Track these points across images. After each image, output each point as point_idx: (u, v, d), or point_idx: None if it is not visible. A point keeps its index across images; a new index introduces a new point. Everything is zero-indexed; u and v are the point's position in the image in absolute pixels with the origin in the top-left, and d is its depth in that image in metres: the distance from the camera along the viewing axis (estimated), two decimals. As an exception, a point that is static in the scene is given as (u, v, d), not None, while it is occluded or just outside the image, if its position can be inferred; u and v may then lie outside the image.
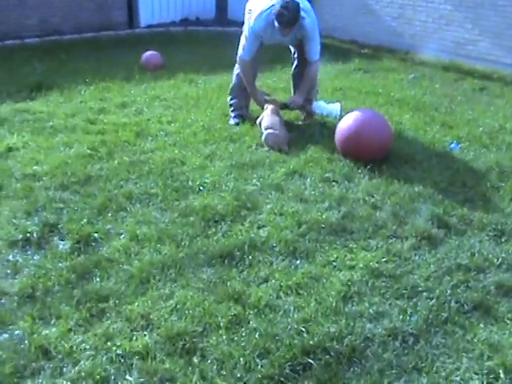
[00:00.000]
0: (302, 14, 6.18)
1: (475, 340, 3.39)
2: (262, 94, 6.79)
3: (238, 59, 6.64)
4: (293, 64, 7.14)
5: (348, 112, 5.98)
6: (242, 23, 6.83)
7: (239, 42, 6.71)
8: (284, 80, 8.22)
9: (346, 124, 5.76)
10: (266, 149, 5.97)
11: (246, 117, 6.88)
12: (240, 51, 6.59)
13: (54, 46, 11.01)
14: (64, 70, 9.34)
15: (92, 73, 9.01)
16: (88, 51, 10.91)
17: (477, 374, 3.13)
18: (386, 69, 10.30)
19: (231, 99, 6.97)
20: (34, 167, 5.45)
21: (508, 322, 3.55)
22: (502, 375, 3.10)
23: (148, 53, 9.97)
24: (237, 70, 6.90)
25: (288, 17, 6.08)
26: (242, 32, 6.72)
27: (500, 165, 5.74)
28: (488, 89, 9.10)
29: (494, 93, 8.88)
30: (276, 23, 6.15)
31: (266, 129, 6.18)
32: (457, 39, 11.01)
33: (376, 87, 8.75)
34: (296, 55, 7.03)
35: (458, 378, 3.10)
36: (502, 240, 4.46)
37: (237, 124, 6.70)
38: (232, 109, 6.94)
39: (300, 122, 6.91)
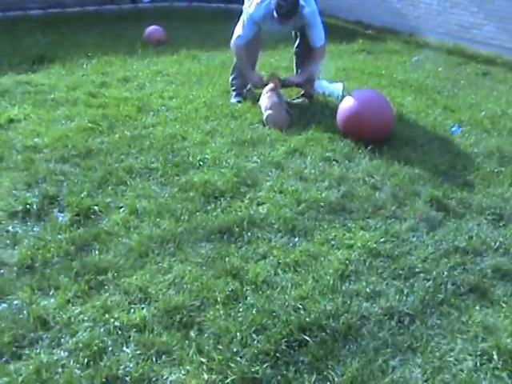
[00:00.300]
0: (302, 2, 6.15)
1: (470, 322, 3.41)
2: (260, 76, 6.73)
3: (232, 44, 6.56)
4: (295, 42, 7.11)
5: (350, 92, 5.97)
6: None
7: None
8: (286, 59, 8.22)
9: (347, 104, 5.76)
10: (267, 127, 5.96)
11: (247, 96, 6.86)
12: (235, 36, 6.51)
13: (56, 19, 10.99)
14: (66, 43, 9.33)
15: (94, 46, 9.00)
16: (91, 25, 10.90)
17: (470, 355, 3.15)
18: (389, 50, 10.29)
19: (233, 79, 6.95)
20: (35, 139, 5.46)
21: (503, 305, 3.57)
22: (495, 357, 3.12)
23: (151, 27, 9.96)
24: None
25: (286, 8, 6.06)
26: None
27: (501, 150, 5.74)
28: (491, 74, 9.09)
29: (497, 78, 8.86)
30: (275, 14, 6.12)
31: (265, 109, 6.16)
32: (461, 22, 10.98)
33: (379, 69, 8.74)
34: (299, 33, 7.00)
35: (451, 359, 3.12)
36: (500, 224, 4.47)
37: (238, 102, 6.69)
38: (234, 88, 6.93)
39: (299, 100, 6.88)
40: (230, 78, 7.01)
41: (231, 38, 6.59)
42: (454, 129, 6.24)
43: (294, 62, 7.23)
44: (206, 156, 5.22)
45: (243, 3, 6.78)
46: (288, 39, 7.69)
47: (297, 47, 7.08)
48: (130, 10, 12.46)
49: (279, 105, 6.18)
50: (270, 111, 6.09)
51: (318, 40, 6.48)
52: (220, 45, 9.19)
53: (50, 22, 10.74)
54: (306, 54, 6.82)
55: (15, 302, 3.40)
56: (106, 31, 10.51)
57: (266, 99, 6.24)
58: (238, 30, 6.51)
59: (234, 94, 6.89)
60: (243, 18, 6.50)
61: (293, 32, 7.02)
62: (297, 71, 7.14)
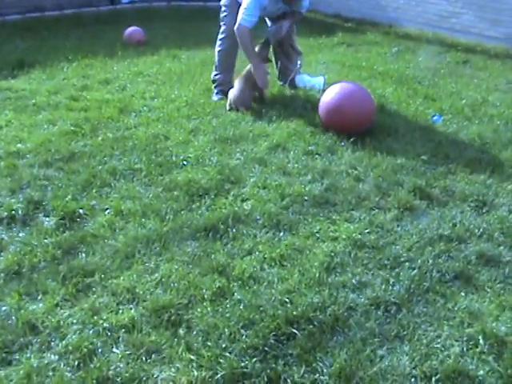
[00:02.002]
0: None
1: (456, 308, 3.44)
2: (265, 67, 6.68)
3: (237, 27, 6.38)
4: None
5: (331, 85, 5.99)
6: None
7: (225, 14, 6.71)
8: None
9: (329, 97, 5.78)
10: (250, 123, 5.99)
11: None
12: (240, 18, 6.35)
13: (35, 23, 10.95)
14: (46, 48, 9.31)
15: (74, 50, 9.00)
16: (70, 28, 10.88)
17: (457, 341, 3.19)
18: (369, 42, 10.33)
19: (215, 75, 6.95)
20: (18, 145, 5.45)
21: (488, 290, 3.61)
22: (481, 341, 3.16)
23: (130, 28, 9.95)
24: (218, 46, 6.88)
25: None
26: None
27: (482, 137, 5.79)
28: (471, 62, 9.14)
29: (477, 66, 8.92)
30: None
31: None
32: (440, 12, 11.03)
33: (359, 61, 8.78)
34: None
35: (438, 346, 3.15)
36: (484, 211, 4.51)
37: (220, 99, 6.70)
38: (215, 84, 6.93)
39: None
40: (213, 74, 7.00)
41: (211, 35, 6.59)
42: (435, 118, 6.27)
43: (273, 55, 7.24)
44: (189, 155, 5.24)
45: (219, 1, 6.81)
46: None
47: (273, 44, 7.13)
48: (109, 12, 12.43)
49: (241, 85, 6.39)
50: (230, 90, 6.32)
51: (306, 6, 6.88)
52: (200, 43, 9.22)
53: (28, 26, 10.70)
54: (282, 48, 7.00)
55: (3, 308, 3.40)
56: (86, 34, 10.50)
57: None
58: (242, 12, 6.37)
59: (215, 91, 6.89)
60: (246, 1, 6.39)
61: (269, 25, 7.05)
62: (276, 63, 7.18)
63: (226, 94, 6.78)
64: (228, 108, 6.35)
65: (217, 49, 6.92)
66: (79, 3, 12.32)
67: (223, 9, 6.77)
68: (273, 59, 7.10)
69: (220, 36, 6.87)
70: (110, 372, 2.95)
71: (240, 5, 6.37)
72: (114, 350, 3.10)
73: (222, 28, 6.83)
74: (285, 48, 7.09)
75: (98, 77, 7.68)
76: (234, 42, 6.68)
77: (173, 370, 2.97)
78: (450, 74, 8.29)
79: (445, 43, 10.26)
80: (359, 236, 4.07)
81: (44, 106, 6.55)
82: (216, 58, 6.95)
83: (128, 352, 3.08)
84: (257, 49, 6.53)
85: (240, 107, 6.26)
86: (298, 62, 7.12)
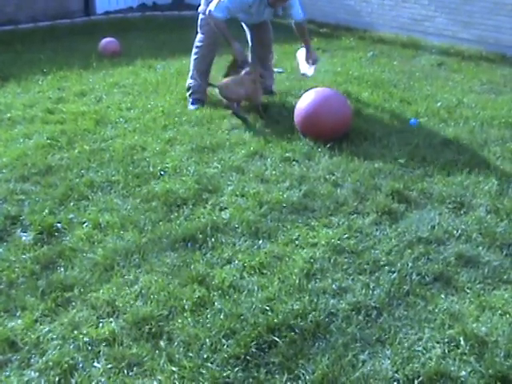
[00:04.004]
0: None
1: (436, 310, 3.46)
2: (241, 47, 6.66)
3: (209, 15, 6.38)
4: (249, 37, 7.19)
5: (306, 91, 6.00)
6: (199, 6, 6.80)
7: (197, 24, 6.72)
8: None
9: (304, 103, 5.79)
10: (227, 131, 5.98)
11: (204, 101, 6.86)
12: (213, 7, 6.31)
13: (8, 37, 10.82)
14: (20, 61, 9.22)
15: (49, 62, 8.92)
16: (44, 41, 10.77)
17: (438, 342, 3.20)
18: (344, 47, 10.36)
19: (191, 83, 6.92)
20: (-7, 160, 5.40)
21: (468, 291, 3.63)
22: (462, 342, 3.17)
23: (105, 40, 9.89)
24: (195, 54, 6.88)
25: None
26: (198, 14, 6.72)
27: (458, 138, 5.84)
28: (446, 64, 9.21)
29: (451, 68, 8.98)
30: None
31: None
32: (414, 16, 11.09)
33: (335, 66, 8.80)
34: (250, 37, 7.07)
35: (420, 348, 3.16)
36: (461, 212, 4.54)
37: (196, 109, 6.68)
38: (190, 92, 6.89)
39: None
40: (188, 82, 6.97)
41: (187, 44, 6.57)
42: (411, 121, 6.31)
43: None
44: (167, 165, 5.22)
45: (197, 9, 6.80)
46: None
47: (252, 43, 7.16)
48: (84, 24, 12.34)
49: (234, 81, 6.39)
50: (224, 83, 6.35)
51: (299, 15, 6.74)
52: (175, 53, 9.20)
53: (2, 40, 10.58)
54: (258, 56, 6.97)
55: (-18, 326, 3.37)
56: (60, 46, 10.42)
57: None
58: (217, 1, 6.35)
59: (190, 100, 6.86)
60: None
61: (247, 33, 7.06)
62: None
63: (201, 102, 6.78)
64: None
65: (193, 56, 6.90)
66: (53, 15, 12.23)
67: (202, 17, 6.74)
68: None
69: (197, 44, 6.85)
70: (92, 387, 2.94)
71: None
72: (95, 364, 3.08)
73: (200, 36, 6.82)
74: (263, 55, 7.08)
75: (74, 89, 7.64)
76: (209, 51, 6.69)
77: (155, 382, 2.96)
78: (425, 76, 8.34)
79: (419, 46, 10.32)
80: (338, 241, 4.08)
81: (19, 119, 6.50)
82: (191, 66, 6.93)
83: (109, 366, 3.06)
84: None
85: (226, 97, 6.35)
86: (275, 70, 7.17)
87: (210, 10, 6.33)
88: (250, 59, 6.70)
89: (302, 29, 6.84)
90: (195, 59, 6.88)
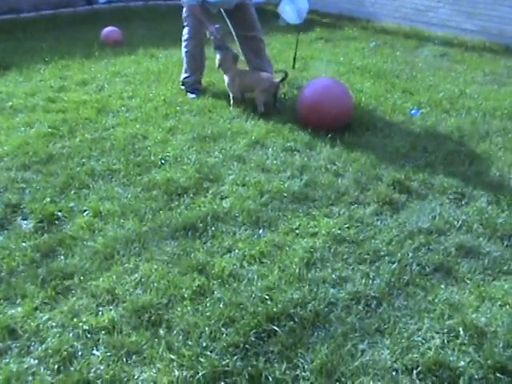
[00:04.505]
0: None
1: (436, 300, 3.45)
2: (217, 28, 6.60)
3: (185, 5, 6.57)
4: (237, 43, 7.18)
5: (309, 82, 5.99)
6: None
7: (186, 14, 6.73)
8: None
9: (306, 93, 5.79)
10: (228, 121, 5.98)
11: (201, 91, 6.88)
12: None
13: (10, 25, 10.82)
14: (22, 50, 9.22)
15: (51, 51, 8.92)
16: (46, 29, 10.77)
17: (438, 333, 3.20)
18: (347, 37, 10.35)
19: (186, 77, 6.91)
20: (-5, 148, 5.40)
21: (468, 281, 3.63)
22: (461, 333, 3.17)
23: (107, 29, 9.88)
24: (185, 48, 6.83)
25: None
26: None
27: (460, 129, 5.82)
28: (448, 55, 9.19)
29: (454, 58, 8.96)
30: None
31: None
32: (417, 6, 11.06)
33: (337, 56, 8.78)
34: (235, 32, 7.06)
35: (419, 338, 3.16)
36: (463, 203, 4.53)
37: (197, 97, 6.67)
38: (186, 86, 6.90)
39: None
40: (182, 76, 6.96)
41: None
42: (413, 111, 6.30)
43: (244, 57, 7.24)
44: (168, 154, 5.22)
45: None
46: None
47: (239, 44, 7.15)
48: (86, 12, 12.32)
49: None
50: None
51: None
52: (177, 42, 9.04)
53: (3, 28, 10.58)
54: (248, 46, 7.03)
55: (-18, 313, 3.37)
56: (62, 35, 10.41)
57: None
58: None
59: (187, 91, 6.86)
60: None
61: (229, 25, 7.04)
62: (249, 66, 7.17)
63: (199, 91, 6.75)
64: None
65: (183, 50, 6.88)
66: (56, 4, 12.20)
67: (184, 9, 6.73)
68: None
69: (184, 37, 6.81)
70: (91, 375, 2.94)
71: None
72: (94, 352, 3.09)
73: (186, 29, 6.80)
74: (252, 44, 7.05)
75: (76, 78, 7.62)
76: (197, 43, 6.66)
77: (154, 370, 2.96)
78: (427, 67, 8.32)
79: (422, 37, 10.29)
80: (339, 231, 4.08)
81: (21, 108, 6.49)
82: (184, 60, 6.90)
83: (108, 354, 3.06)
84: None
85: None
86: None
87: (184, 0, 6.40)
88: (225, 44, 6.59)
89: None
90: (186, 52, 6.84)
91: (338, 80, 6.50)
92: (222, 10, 6.84)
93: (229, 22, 7.01)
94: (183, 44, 6.85)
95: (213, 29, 6.44)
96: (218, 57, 6.44)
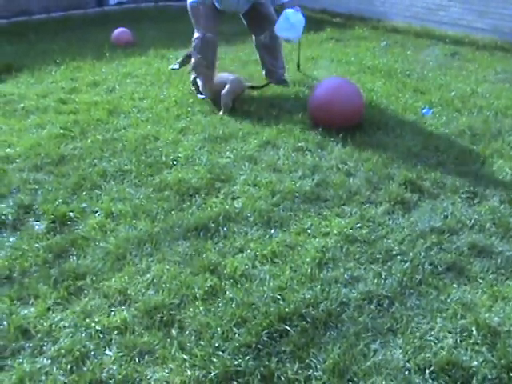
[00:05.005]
0: None
1: (449, 300, 3.44)
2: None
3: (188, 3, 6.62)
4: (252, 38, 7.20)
5: (319, 81, 5.98)
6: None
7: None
8: (255, 53, 8.17)
9: (317, 93, 5.79)
10: (239, 121, 5.98)
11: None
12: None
13: (22, 27, 10.90)
14: (33, 51, 9.27)
15: (62, 53, 8.96)
16: (57, 31, 10.82)
17: (450, 332, 3.19)
18: (357, 37, 10.32)
19: (195, 77, 6.89)
20: (7, 150, 5.42)
21: (480, 281, 3.61)
22: (474, 332, 3.16)
23: (118, 30, 9.92)
24: (194, 49, 6.82)
25: None
26: None
27: (472, 128, 5.80)
28: (460, 53, 9.15)
29: (465, 57, 8.92)
30: None
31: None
32: (428, 5, 11.03)
33: (348, 56, 8.77)
34: (251, 28, 7.07)
35: (432, 338, 3.15)
36: (475, 202, 4.51)
37: (207, 98, 6.65)
38: (195, 87, 6.90)
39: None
40: (192, 76, 6.94)
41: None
42: (424, 110, 6.28)
43: (258, 56, 7.25)
44: (179, 154, 5.23)
45: None
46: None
47: (255, 44, 7.14)
48: (97, 14, 12.39)
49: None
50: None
51: None
52: (188, 43, 9.09)
53: (15, 31, 10.65)
54: (264, 46, 7.03)
55: (-5, 314, 3.39)
56: (73, 36, 10.45)
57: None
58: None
59: (197, 92, 6.85)
60: None
61: (246, 25, 7.05)
62: (262, 66, 7.18)
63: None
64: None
65: (194, 51, 6.87)
66: (66, 6, 12.27)
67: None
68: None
69: (195, 37, 6.79)
70: (103, 375, 2.95)
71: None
72: (107, 352, 3.09)
73: (196, 30, 6.78)
74: (268, 44, 7.04)
75: (87, 79, 7.65)
76: (209, 43, 6.63)
77: (166, 370, 2.96)
78: (438, 66, 8.29)
79: (433, 36, 10.26)
80: (351, 231, 4.07)
81: (33, 109, 6.52)
82: (193, 62, 6.89)
83: (121, 354, 3.07)
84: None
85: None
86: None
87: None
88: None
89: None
90: (195, 53, 6.83)
91: (349, 79, 6.49)
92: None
93: (244, 21, 7.00)
94: (193, 45, 6.84)
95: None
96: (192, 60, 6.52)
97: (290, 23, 6.56)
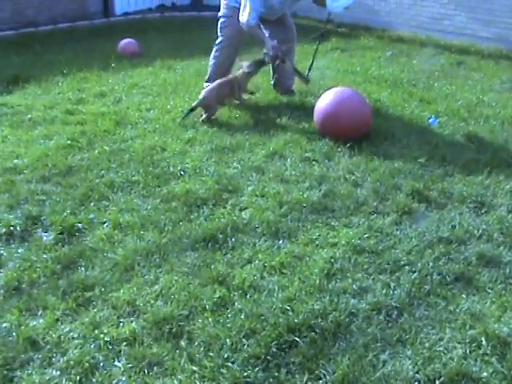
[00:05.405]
0: None
1: (457, 310, 3.44)
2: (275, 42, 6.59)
3: (244, 25, 6.46)
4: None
5: (326, 91, 5.99)
6: (218, 7, 6.84)
7: (217, 25, 6.76)
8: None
9: (324, 103, 5.79)
10: (246, 131, 5.99)
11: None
12: (245, 17, 6.41)
13: (29, 39, 10.92)
14: (40, 62, 9.29)
15: (69, 64, 8.98)
16: (64, 42, 10.85)
17: (459, 343, 3.18)
18: (363, 47, 10.34)
19: (208, 86, 6.91)
20: (15, 161, 5.43)
21: (489, 291, 3.61)
22: (483, 343, 3.15)
23: (124, 41, 9.95)
24: (213, 58, 6.90)
25: None
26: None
27: (478, 138, 5.82)
28: (465, 63, 9.15)
29: (471, 66, 8.93)
30: None
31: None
32: (433, 15, 11.05)
33: (354, 66, 8.79)
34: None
35: (441, 348, 3.15)
36: (482, 211, 4.51)
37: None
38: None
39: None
40: (205, 84, 6.98)
41: (206, 45, 6.62)
42: (431, 120, 6.29)
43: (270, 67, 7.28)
44: (187, 165, 5.24)
45: (218, 10, 6.82)
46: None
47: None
48: (103, 25, 12.43)
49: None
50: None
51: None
52: (194, 53, 9.23)
53: (22, 42, 10.68)
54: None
55: (4, 325, 3.38)
56: (80, 47, 10.48)
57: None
58: (244, 9, 6.44)
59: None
60: None
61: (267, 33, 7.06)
62: (273, 75, 7.20)
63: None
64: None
65: (211, 60, 6.94)
66: (73, 17, 12.31)
67: (222, 20, 6.78)
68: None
69: (216, 47, 6.89)
70: (113, 386, 2.95)
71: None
72: (116, 363, 3.10)
73: (220, 39, 6.85)
74: (286, 66, 7.07)
75: (94, 90, 7.68)
76: (229, 54, 6.70)
77: (175, 382, 2.97)
78: (444, 75, 8.30)
79: (438, 45, 10.27)
80: (358, 241, 4.07)
81: (40, 120, 6.54)
82: (210, 69, 6.97)
83: (130, 365, 3.07)
84: (245, 64, 6.56)
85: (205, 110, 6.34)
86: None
87: (243, 23, 6.42)
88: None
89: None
90: (214, 63, 6.91)
91: (356, 89, 6.50)
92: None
93: (266, 29, 7.02)
94: (213, 54, 6.90)
95: (274, 42, 6.50)
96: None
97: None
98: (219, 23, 6.82)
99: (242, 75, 6.55)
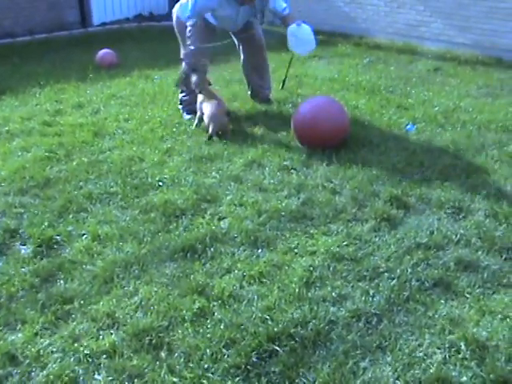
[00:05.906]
0: None
1: (436, 316, 3.45)
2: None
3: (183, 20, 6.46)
4: (240, 58, 7.19)
5: (304, 100, 6.01)
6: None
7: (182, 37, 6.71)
8: (239, 71, 8.19)
9: (301, 112, 5.81)
10: (224, 141, 5.99)
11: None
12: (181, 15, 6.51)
13: (6, 50, 10.87)
14: (18, 74, 9.25)
15: (46, 75, 8.96)
16: (41, 53, 10.81)
17: (439, 348, 3.20)
18: (340, 54, 10.37)
19: (184, 96, 6.92)
20: (-8, 173, 5.40)
21: (467, 296, 3.63)
22: (463, 347, 3.17)
23: (102, 51, 9.93)
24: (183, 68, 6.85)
25: None
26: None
27: (456, 143, 5.84)
28: (442, 69, 9.20)
29: (447, 72, 8.98)
30: None
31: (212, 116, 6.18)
32: (409, 21, 11.12)
33: (331, 73, 8.80)
34: (241, 48, 7.06)
35: (421, 354, 3.16)
36: (460, 217, 4.53)
37: (192, 118, 6.64)
38: (183, 105, 6.91)
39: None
40: (180, 95, 6.98)
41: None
42: (408, 126, 6.32)
43: (245, 77, 7.28)
44: (165, 176, 5.23)
45: None
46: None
47: (242, 63, 7.16)
48: (81, 35, 12.40)
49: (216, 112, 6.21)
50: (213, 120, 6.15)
51: (281, 7, 6.45)
52: (171, 63, 9.20)
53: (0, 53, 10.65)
54: (253, 66, 6.95)
55: (-18, 340, 3.36)
56: (58, 58, 10.45)
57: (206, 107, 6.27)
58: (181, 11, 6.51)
59: (183, 110, 6.88)
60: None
61: (236, 43, 7.06)
62: (248, 86, 7.21)
63: (194, 111, 6.70)
64: (209, 137, 6.15)
65: (181, 71, 6.89)
66: (50, 27, 12.27)
67: (188, 29, 6.71)
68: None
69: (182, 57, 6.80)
70: (93, 399, 2.94)
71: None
72: (96, 376, 3.08)
73: (182, 51, 6.80)
74: (257, 65, 7.08)
75: (71, 101, 7.65)
76: (203, 53, 6.64)
77: (156, 393, 2.96)
78: (421, 82, 8.35)
79: (415, 52, 10.34)
80: (337, 249, 4.08)
81: (17, 132, 6.51)
82: (182, 79, 6.91)
83: (110, 378, 3.06)
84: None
85: (221, 131, 6.18)
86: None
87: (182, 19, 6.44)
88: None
89: (288, 19, 6.53)
90: (184, 72, 6.85)
91: (333, 97, 6.53)
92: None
93: (235, 40, 7.03)
94: (183, 63, 6.84)
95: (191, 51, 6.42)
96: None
97: (298, 39, 6.50)
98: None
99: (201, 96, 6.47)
